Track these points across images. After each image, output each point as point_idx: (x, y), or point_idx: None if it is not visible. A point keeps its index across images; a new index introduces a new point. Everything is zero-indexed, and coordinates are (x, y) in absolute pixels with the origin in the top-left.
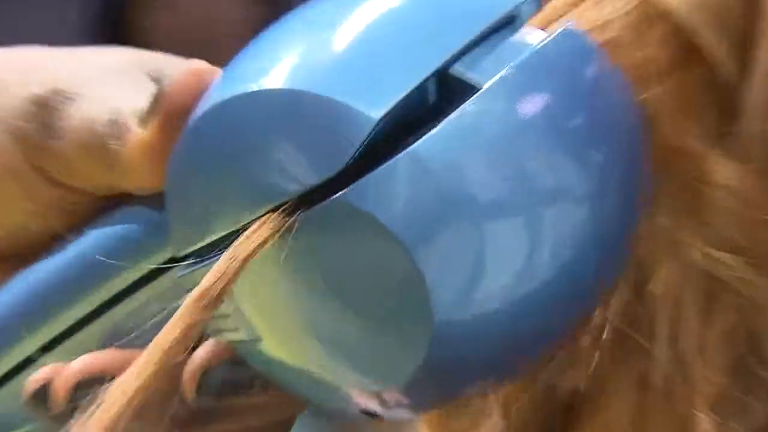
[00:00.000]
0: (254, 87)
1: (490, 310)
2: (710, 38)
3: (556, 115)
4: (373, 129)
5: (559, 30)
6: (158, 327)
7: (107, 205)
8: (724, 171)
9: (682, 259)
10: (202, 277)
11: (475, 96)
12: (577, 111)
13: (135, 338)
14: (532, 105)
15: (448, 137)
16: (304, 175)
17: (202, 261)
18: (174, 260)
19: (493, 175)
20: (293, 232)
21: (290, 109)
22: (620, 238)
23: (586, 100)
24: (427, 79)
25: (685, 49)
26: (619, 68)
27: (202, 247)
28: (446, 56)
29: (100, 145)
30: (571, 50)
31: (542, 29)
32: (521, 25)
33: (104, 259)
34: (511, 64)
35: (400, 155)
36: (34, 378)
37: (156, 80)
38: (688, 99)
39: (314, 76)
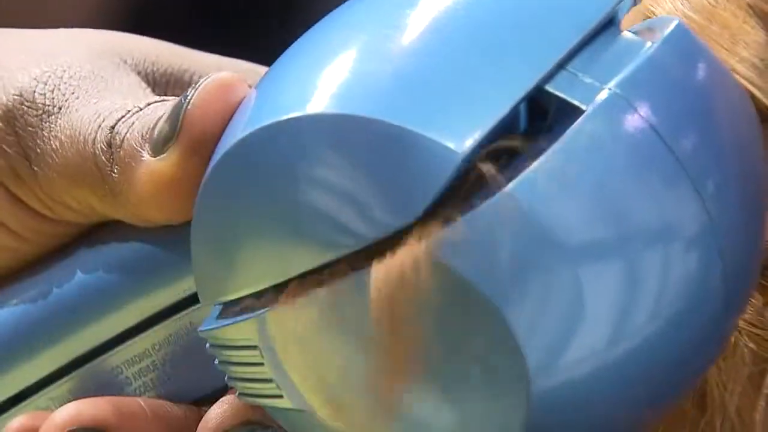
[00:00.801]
0: (302, 111)
1: (589, 370)
2: None
3: (671, 137)
4: (459, 166)
5: (668, 31)
6: (164, 378)
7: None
8: None
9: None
10: (232, 333)
11: (578, 121)
12: (692, 130)
13: (129, 386)
14: (644, 127)
15: (550, 174)
16: (374, 221)
17: (236, 317)
18: (183, 303)
19: (598, 213)
20: (364, 288)
21: (352, 140)
22: (743, 280)
23: (704, 115)
24: (519, 101)
25: None
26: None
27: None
28: (541, 72)
29: (94, 173)
30: (684, 54)
31: (644, 29)
32: (620, 26)
33: (96, 296)
34: (618, 77)
35: (493, 198)
36: (11, 427)
37: (138, 71)
38: None
39: (381, 99)
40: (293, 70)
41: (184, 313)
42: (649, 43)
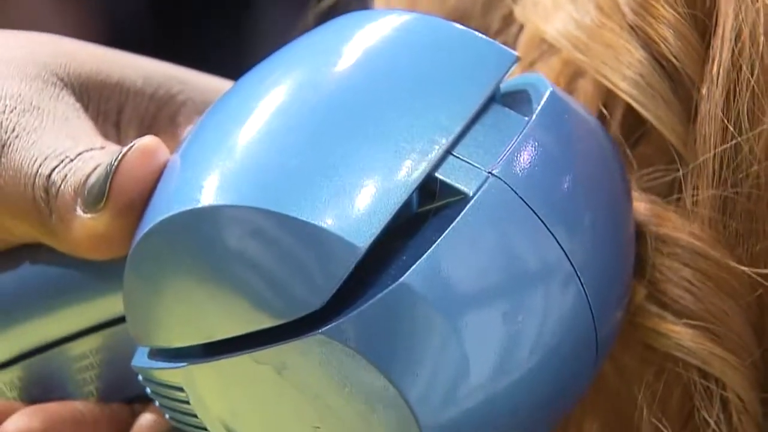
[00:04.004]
0: (222, 201)
1: (479, 415)
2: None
3: (544, 211)
4: (359, 259)
5: (542, 104)
6: (102, 376)
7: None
8: (675, 225)
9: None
10: (161, 375)
11: (465, 210)
12: (562, 198)
13: (71, 379)
14: (520, 205)
15: (440, 261)
16: (279, 309)
17: (165, 363)
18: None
19: (483, 287)
20: (273, 362)
21: (266, 231)
22: (609, 300)
23: (572, 181)
24: (413, 192)
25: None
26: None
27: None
28: (432, 160)
29: (35, 214)
30: (555, 124)
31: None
32: (500, 100)
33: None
34: (498, 161)
35: (389, 289)
36: None
37: (74, 89)
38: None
39: (292, 196)
40: (215, 149)
41: (120, 326)
42: (525, 119)
